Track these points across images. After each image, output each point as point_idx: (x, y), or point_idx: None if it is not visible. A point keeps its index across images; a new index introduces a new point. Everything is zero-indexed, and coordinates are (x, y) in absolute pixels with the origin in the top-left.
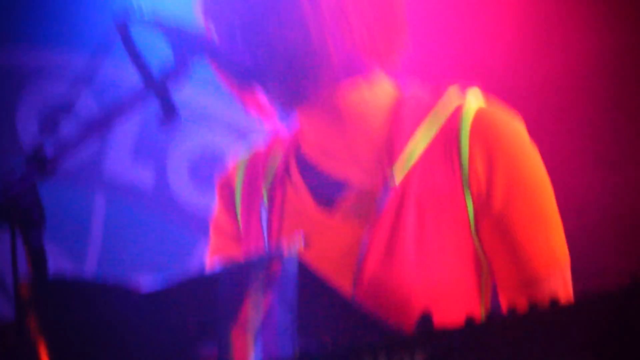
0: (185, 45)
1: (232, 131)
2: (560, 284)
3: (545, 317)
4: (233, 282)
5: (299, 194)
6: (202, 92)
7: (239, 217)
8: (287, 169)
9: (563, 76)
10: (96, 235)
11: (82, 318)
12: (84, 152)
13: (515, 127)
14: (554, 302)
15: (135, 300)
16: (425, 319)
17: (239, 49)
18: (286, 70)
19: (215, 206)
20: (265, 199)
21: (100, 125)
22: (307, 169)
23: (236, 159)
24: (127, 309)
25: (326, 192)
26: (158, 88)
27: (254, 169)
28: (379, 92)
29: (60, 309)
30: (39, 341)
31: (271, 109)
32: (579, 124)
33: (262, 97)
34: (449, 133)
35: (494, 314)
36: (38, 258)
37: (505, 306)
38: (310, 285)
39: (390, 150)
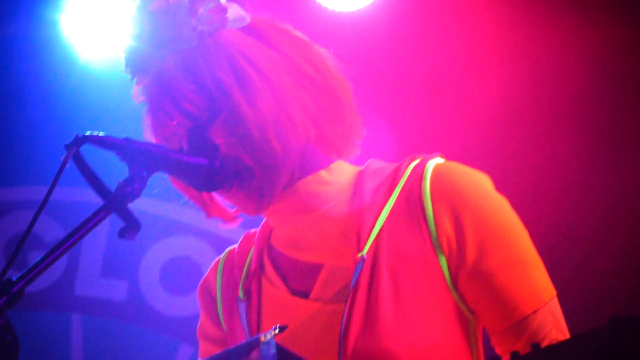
0: (140, 160)
1: (198, 232)
2: (548, 318)
3: None
4: None
5: (274, 285)
6: (162, 201)
7: (222, 319)
8: (260, 264)
9: (562, 77)
10: (77, 355)
11: None
12: (54, 276)
13: (475, 177)
14: (535, 346)
15: None
16: None
17: (195, 159)
18: (246, 171)
19: (200, 313)
20: (240, 294)
21: (64, 247)
22: (279, 260)
23: (215, 263)
24: None
25: (300, 278)
26: (116, 205)
27: (230, 269)
28: (338, 173)
29: None
30: None
31: (232, 211)
32: (579, 125)
33: (221, 200)
34: (411, 194)
35: None
36: None
37: (500, 352)
38: None
39: (356, 224)
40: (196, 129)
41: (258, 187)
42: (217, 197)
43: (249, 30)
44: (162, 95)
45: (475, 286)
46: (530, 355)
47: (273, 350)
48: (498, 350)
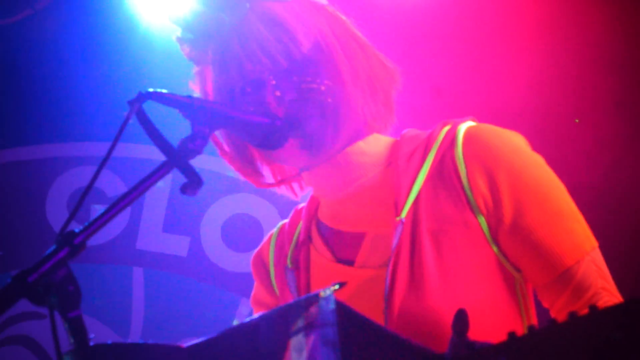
0: (202, 116)
1: (259, 190)
2: (591, 267)
3: (585, 323)
4: (273, 328)
5: (321, 254)
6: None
7: (275, 287)
8: (309, 235)
9: (563, 76)
10: (138, 307)
11: None
12: (116, 229)
13: (507, 136)
14: (593, 308)
15: (178, 356)
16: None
17: (263, 102)
18: (312, 120)
19: (255, 282)
20: (289, 262)
21: (129, 201)
22: (325, 232)
23: (269, 236)
24: None
25: (345, 247)
26: (180, 162)
27: (282, 241)
28: (374, 144)
29: None
30: None
31: (269, 179)
32: (581, 124)
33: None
34: (444, 158)
35: (532, 327)
36: (77, 329)
37: (548, 306)
38: (349, 322)
39: (395, 191)
40: (283, 73)
41: (314, 141)
42: (260, 163)
43: (326, 6)
44: (257, 36)
45: (515, 242)
46: (588, 316)
47: (332, 306)
48: (545, 303)
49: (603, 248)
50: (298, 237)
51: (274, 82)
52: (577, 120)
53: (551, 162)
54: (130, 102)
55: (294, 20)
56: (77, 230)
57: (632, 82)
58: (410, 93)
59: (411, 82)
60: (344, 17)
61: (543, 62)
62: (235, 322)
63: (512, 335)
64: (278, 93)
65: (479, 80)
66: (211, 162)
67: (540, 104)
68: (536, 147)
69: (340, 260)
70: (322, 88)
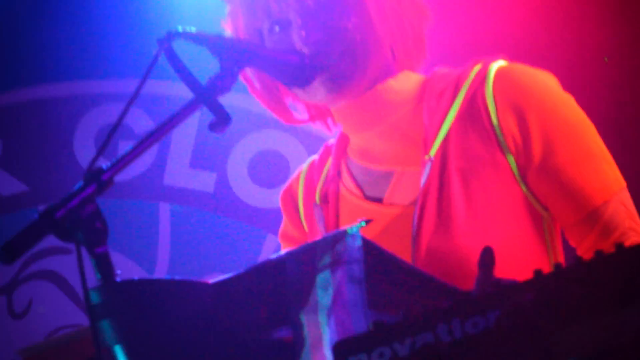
0: (231, 55)
1: (286, 126)
2: (619, 207)
3: (611, 261)
4: (300, 265)
5: (350, 191)
6: (251, 95)
7: (304, 223)
8: (338, 171)
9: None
10: (164, 243)
11: (153, 315)
12: (143, 165)
13: (538, 76)
14: (620, 246)
15: (205, 292)
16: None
17: (289, 41)
18: (339, 58)
19: (283, 218)
20: (317, 198)
21: (154, 138)
22: (355, 169)
23: (298, 171)
24: (198, 301)
25: (374, 185)
26: (208, 99)
27: (311, 177)
28: (405, 82)
29: (131, 308)
30: (113, 344)
31: (299, 116)
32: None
33: (293, 104)
34: (474, 97)
35: (559, 265)
36: (104, 265)
37: (574, 245)
38: (375, 259)
39: (424, 130)
40: (309, 13)
41: (341, 77)
42: (289, 100)
43: None
44: None
45: (544, 181)
46: (615, 255)
47: (359, 243)
48: (572, 243)
49: None
50: (327, 173)
51: (299, 22)
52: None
53: None
54: (160, 41)
55: None
56: (104, 166)
57: (631, 79)
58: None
59: None
60: None
61: (539, 60)
62: (262, 258)
63: (538, 272)
64: (303, 33)
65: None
66: (238, 98)
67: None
68: None
69: (369, 197)
70: (349, 26)
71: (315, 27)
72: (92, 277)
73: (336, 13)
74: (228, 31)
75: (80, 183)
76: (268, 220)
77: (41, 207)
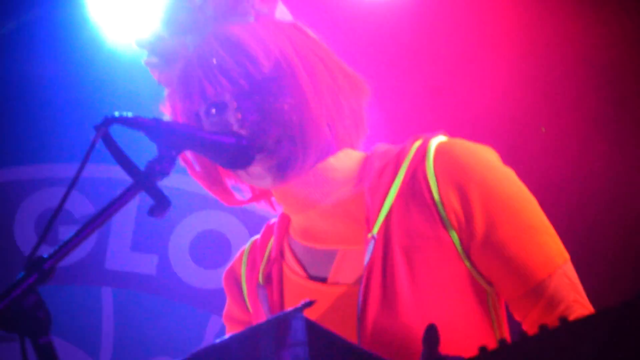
0: (168, 139)
1: (225, 208)
2: (563, 280)
3: (556, 335)
4: (244, 349)
5: (293, 271)
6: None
7: (248, 304)
8: (281, 251)
9: (564, 74)
10: (108, 327)
11: None
12: (84, 249)
13: (478, 151)
14: (564, 320)
15: None
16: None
17: (227, 123)
18: (278, 140)
19: (227, 299)
20: (260, 279)
21: (96, 224)
22: (298, 248)
23: (240, 252)
24: None
25: (317, 264)
26: (147, 184)
27: (253, 257)
28: (345, 159)
29: None
30: None
31: (239, 197)
32: (582, 124)
33: (235, 187)
34: (415, 173)
35: (504, 341)
36: (48, 355)
37: (520, 320)
38: (320, 341)
39: (366, 208)
40: (244, 95)
41: (282, 161)
42: (230, 181)
43: (293, 26)
44: (217, 59)
45: (488, 257)
46: (559, 329)
47: (302, 324)
48: (517, 317)
49: (600, 247)
50: (270, 254)
51: (235, 105)
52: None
53: (549, 163)
54: (97, 127)
55: (254, 41)
56: (45, 255)
57: (629, 82)
58: (393, 94)
59: (397, 83)
60: (311, 34)
61: (539, 62)
62: (206, 340)
63: (483, 349)
64: (239, 115)
65: (473, 82)
66: (176, 180)
67: (537, 105)
68: (532, 148)
69: (312, 277)
70: (285, 107)
71: (251, 109)
72: None
73: (271, 95)
74: (166, 114)
75: (22, 273)
76: (211, 301)
77: None
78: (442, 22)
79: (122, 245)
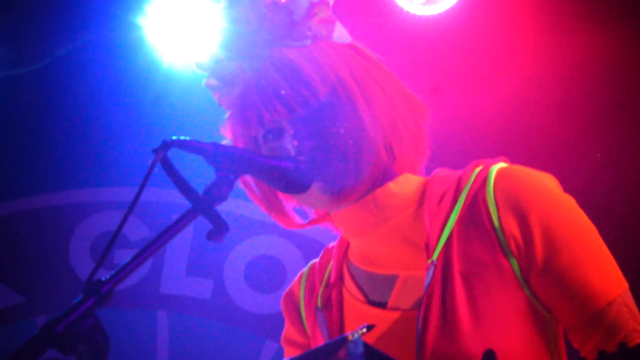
0: (226, 163)
1: (282, 231)
2: (622, 309)
3: None
4: None
5: (353, 296)
6: (247, 201)
7: (306, 327)
8: (340, 276)
9: (564, 77)
10: (162, 351)
11: None
12: (140, 274)
13: (538, 178)
14: (623, 346)
15: None
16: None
17: (284, 149)
18: (335, 164)
19: (285, 322)
20: (319, 303)
21: (152, 249)
22: (357, 272)
23: (299, 275)
24: None
25: (377, 289)
26: (204, 208)
27: (312, 281)
28: (405, 184)
29: None
30: None
31: (298, 220)
32: (582, 124)
33: (292, 209)
34: (475, 200)
35: None
36: None
37: (578, 347)
38: None
39: (426, 233)
40: (300, 121)
41: (338, 185)
42: (288, 204)
43: (350, 47)
44: (273, 85)
45: (547, 284)
46: (618, 355)
47: (361, 349)
48: (575, 345)
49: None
50: (329, 277)
51: (292, 131)
52: (598, 155)
53: (551, 164)
54: (155, 150)
55: (310, 66)
56: (103, 278)
57: (632, 82)
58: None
59: (410, 83)
60: (370, 53)
61: (540, 64)
62: None
63: None
64: (296, 141)
65: (478, 82)
66: (232, 204)
67: (538, 107)
68: (535, 150)
69: (372, 302)
70: (342, 131)
71: (307, 135)
72: None
73: (328, 120)
74: (227, 137)
75: (80, 296)
76: (266, 326)
77: (38, 318)
78: (450, 27)
79: (177, 270)
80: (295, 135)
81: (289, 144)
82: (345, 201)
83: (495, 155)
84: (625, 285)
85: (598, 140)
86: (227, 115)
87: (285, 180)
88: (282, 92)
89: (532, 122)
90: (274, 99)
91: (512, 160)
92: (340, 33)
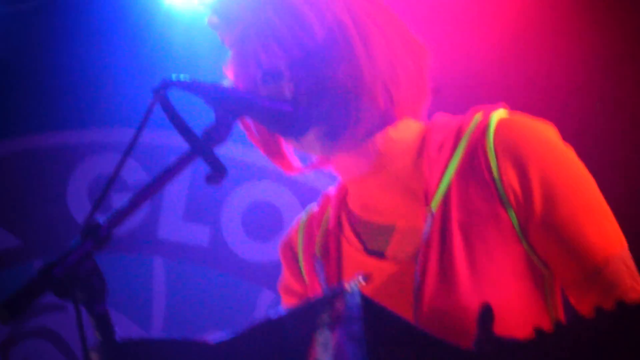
0: (226, 105)
1: (279, 177)
2: (621, 267)
3: (612, 318)
4: (299, 324)
5: (351, 244)
6: (243, 145)
7: (304, 275)
8: (339, 224)
9: (564, 76)
10: (159, 298)
11: None
12: (137, 218)
13: (539, 128)
14: (621, 304)
15: (204, 353)
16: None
17: (282, 91)
18: (331, 108)
19: (282, 269)
20: (317, 251)
21: (150, 191)
22: (356, 222)
23: (297, 222)
24: None
25: (374, 238)
26: (203, 150)
27: (310, 228)
28: (404, 130)
29: None
30: None
31: (298, 165)
32: (581, 124)
33: (292, 153)
34: (475, 149)
35: (559, 323)
36: (103, 323)
37: (575, 303)
38: (375, 317)
39: (425, 182)
40: (297, 63)
41: (334, 129)
42: (288, 148)
43: None
44: (270, 26)
45: (545, 237)
46: (615, 312)
47: (358, 300)
48: (572, 300)
49: None
50: (327, 224)
51: (289, 73)
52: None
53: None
54: (155, 90)
55: (308, 7)
56: (102, 221)
57: (632, 82)
58: None
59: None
60: None
61: (540, 61)
62: (257, 313)
63: (538, 330)
64: (293, 84)
65: (477, 79)
66: (228, 148)
67: (538, 105)
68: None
69: (370, 251)
70: (339, 75)
71: (304, 78)
72: (90, 336)
73: (324, 63)
74: (229, 77)
75: (77, 238)
76: (263, 274)
77: (35, 262)
78: (442, 18)
79: (174, 215)
80: (292, 77)
81: (286, 87)
82: (343, 147)
83: (494, 102)
84: (624, 244)
85: (599, 137)
86: (229, 54)
87: (284, 123)
88: (279, 33)
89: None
90: (271, 40)
91: (511, 107)
92: None
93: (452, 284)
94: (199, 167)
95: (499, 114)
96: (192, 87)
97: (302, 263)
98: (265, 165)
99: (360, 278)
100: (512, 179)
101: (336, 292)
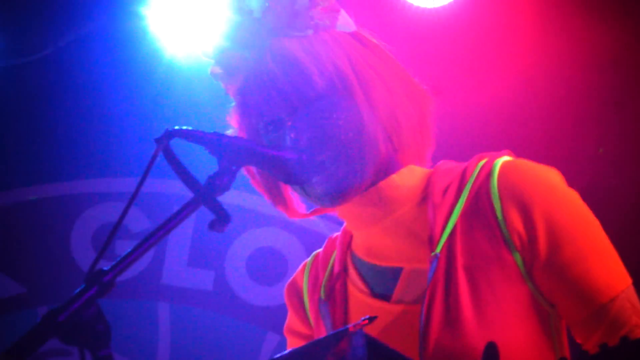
0: (229, 153)
1: (284, 224)
2: (626, 304)
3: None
4: None
5: (357, 288)
6: (249, 193)
7: (309, 317)
8: (344, 267)
9: (563, 75)
10: (164, 343)
11: None
12: (141, 265)
13: (542, 172)
14: (625, 340)
15: None
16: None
17: (285, 140)
18: (334, 158)
19: (288, 312)
20: (322, 294)
21: (157, 239)
22: (360, 264)
23: (303, 265)
24: None
25: (380, 282)
26: (207, 199)
27: (316, 271)
28: (409, 176)
29: None
30: None
31: (302, 210)
32: (580, 123)
33: (296, 198)
34: (479, 193)
35: None
36: None
37: (581, 342)
38: (379, 357)
39: (430, 226)
40: (298, 113)
41: (340, 181)
42: (292, 194)
43: (354, 36)
44: (271, 77)
45: (550, 279)
46: (619, 348)
47: (362, 341)
48: (578, 339)
49: None
50: (332, 268)
51: (289, 123)
52: (600, 150)
53: (550, 162)
54: (157, 140)
55: (308, 58)
56: (105, 268)
57: (632, 82)
58: None
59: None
60: (374, 41)
61: (540, 61)
62: (263, 357)
63: None
64: (293, 134)
65: (476, 81)
66: (233, 196)
67: (538, 104)
68: (534, 147)
69: (376, 295)
70: (340, 123)
71: (305, 128)
72: None
73: (325, 112)
74: (233, 126)
75: (82, 285)
76: (268, 318)
77: (39, 309)
78: (452, 20)
79: (179, 261)
80: (293, 127)
81: (287, 136)
82: (346, 197)
83: (498, 149)
84: (628, 280)
85: (599, 137)
86: (233, 104)
87: (287, 170)
88: (280, 84)
89: (533, 117)
90: (272, 91)
91: (516, 154)
92: (344, 21)
93: (458, 325)
94: (204, 213)
95: (503, 159)
96: (195, 136)
97: (307, 306)
98: (270, 213)
99: (365, 319)
100: (516, 221)
101: (341, 333)
